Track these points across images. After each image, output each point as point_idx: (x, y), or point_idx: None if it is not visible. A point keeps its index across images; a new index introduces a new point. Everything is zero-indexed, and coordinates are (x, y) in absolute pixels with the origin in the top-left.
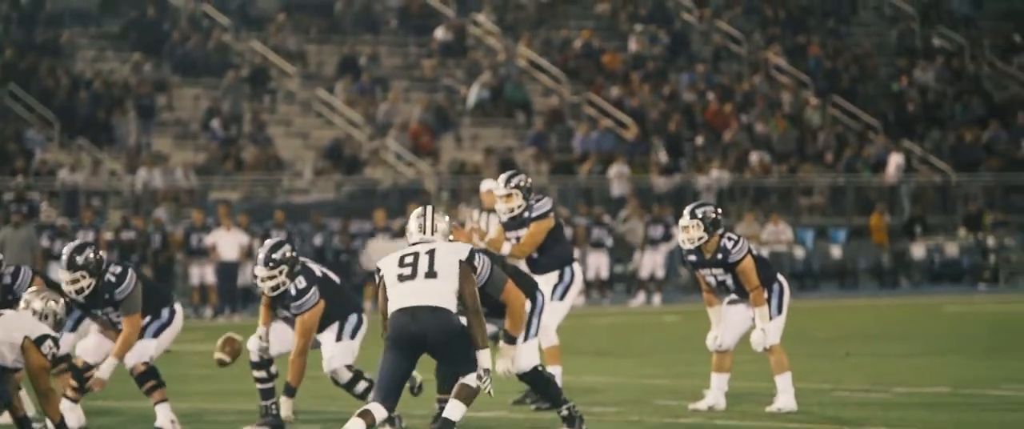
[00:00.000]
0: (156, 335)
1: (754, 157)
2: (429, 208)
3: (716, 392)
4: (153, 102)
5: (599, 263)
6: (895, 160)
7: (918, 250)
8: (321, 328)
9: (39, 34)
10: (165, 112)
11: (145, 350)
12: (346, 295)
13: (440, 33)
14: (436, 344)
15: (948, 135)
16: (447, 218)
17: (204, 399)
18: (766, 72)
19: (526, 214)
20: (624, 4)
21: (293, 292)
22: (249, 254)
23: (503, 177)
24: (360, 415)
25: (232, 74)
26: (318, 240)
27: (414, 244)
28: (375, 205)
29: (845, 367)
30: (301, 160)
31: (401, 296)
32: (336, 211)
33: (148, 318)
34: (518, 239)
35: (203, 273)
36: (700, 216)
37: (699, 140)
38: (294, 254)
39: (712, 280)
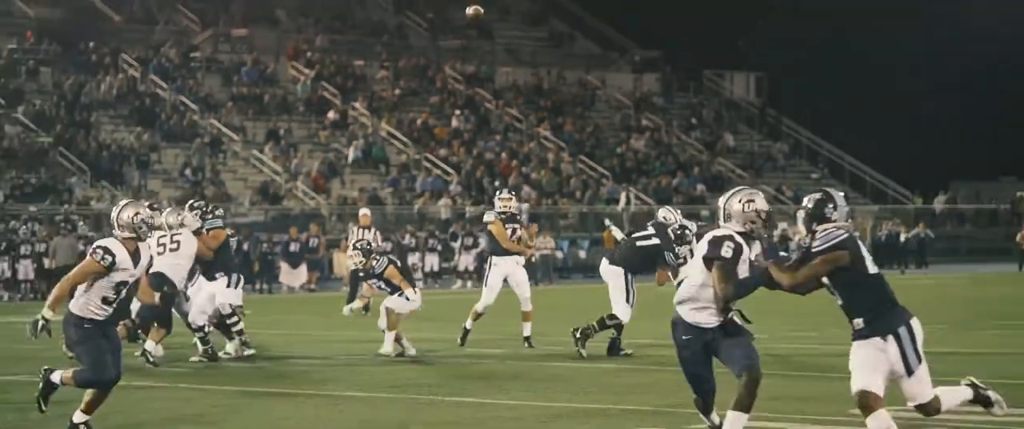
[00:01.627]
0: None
1: (531, 193)
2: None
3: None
4: (148, 158)
5: (432, 260)
6: (622, 196)
7: None
8: (215, 276)
9: (78, 115)
10: (156, 165)
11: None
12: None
13: (331, 114)
14: None
15: (652, 181)
16: None
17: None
18: (538, 141)
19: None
20: (448, 97)
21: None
22: None
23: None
24: None
25: (198, 140)
26: (246, 246)
27: None
28: (289, 225)
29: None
30: (242, 195)
31: None
32: (264, 228)
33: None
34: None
35: None
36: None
37: (496, 183)
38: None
39: None
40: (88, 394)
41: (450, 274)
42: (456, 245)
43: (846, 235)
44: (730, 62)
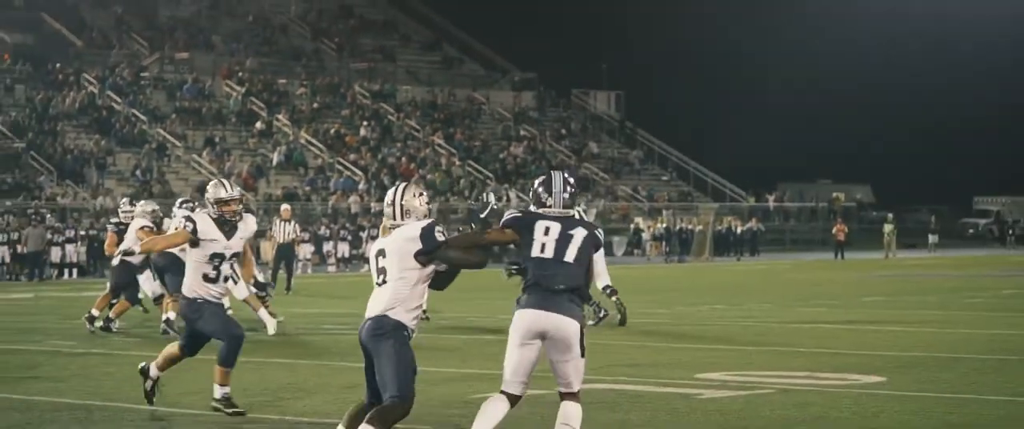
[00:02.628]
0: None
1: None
2: (401, 187)
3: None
4: (105, 161)
5: (343, 248)
6: (505, 195)
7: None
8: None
9: (46, 125)
10: (111, 167)
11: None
12: None
13: (259, 124)
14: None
15: (528, 182)
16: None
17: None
18: (433, 147)
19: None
20: (357, 110)
21: None
22: None
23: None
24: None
25: (147, 146)
26: None
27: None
28: None
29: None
30: (183, 193)
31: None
32: None
33: None
34: None
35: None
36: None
37: (401, 184)
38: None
39: None
40: (168, 352)
41: (358, 259)
42: (364, 235)
43: (520, 215)
44: (594, 82)
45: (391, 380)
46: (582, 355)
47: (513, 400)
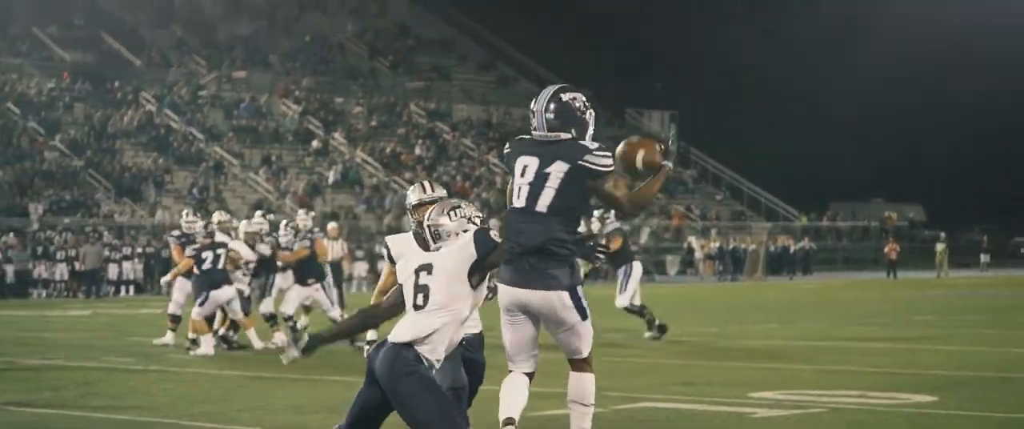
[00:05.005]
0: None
1: (482, 210)
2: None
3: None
4: (163, 179)
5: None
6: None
7: None
8: (306, 280)
9: (105, 143)
10: (169, 185)
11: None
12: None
13: (315, 143)
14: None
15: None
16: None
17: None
18: (487, 166)
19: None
20: (412, 129)
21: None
22: None
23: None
24: None
25: (204, 165)
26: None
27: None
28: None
29: None
30: (240, 210)
31: None
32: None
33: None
34: None
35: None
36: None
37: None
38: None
39: None
40: None
41: None
42: None
43: (507, 151)
44: (647, 101)
45: (439, 420)
46: (583, 318)
47: (528, 376)
